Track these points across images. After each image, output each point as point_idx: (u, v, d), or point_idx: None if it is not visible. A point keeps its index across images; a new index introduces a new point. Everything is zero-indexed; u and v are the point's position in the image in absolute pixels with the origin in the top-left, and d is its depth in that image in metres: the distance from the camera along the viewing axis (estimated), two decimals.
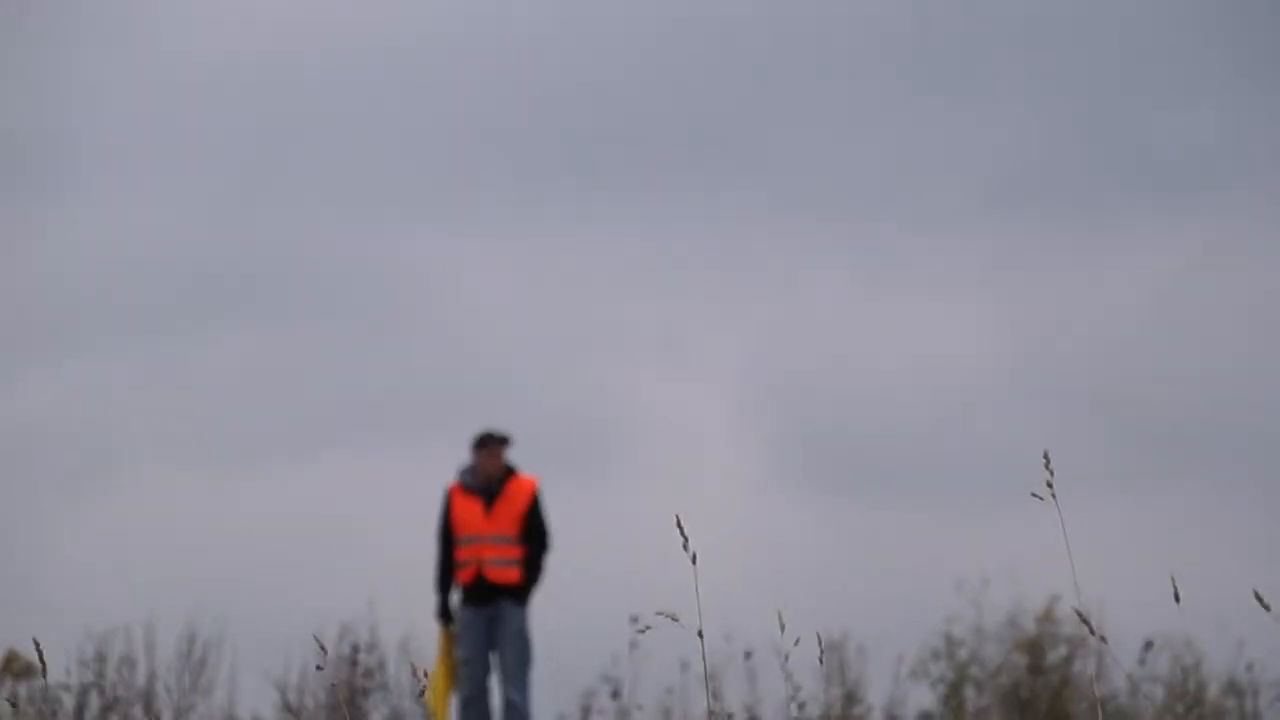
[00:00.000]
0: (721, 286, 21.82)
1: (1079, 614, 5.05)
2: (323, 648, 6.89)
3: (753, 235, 21.49)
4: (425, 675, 13.80)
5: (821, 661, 10.48)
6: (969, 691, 14.35)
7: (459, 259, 21.87)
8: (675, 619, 9.00)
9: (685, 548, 6.11)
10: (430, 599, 13.06)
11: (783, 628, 8.61)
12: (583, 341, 21.69)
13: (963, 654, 14.48)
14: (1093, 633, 5.10)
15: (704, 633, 9.88)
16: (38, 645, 6.04)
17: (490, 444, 12.91)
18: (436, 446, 19.58)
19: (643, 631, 6.78)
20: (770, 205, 21.79)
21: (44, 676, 6.22)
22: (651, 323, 21.65)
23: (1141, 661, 13.87)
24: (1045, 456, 4.77)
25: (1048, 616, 14.43)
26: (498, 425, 13.14)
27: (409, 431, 20.46)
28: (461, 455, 13.11)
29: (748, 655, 10.86)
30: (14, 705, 13.29)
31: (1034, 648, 14.33)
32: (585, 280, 22.08)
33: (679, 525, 6.02)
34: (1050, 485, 4.85)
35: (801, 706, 12.94)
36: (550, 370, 21.37)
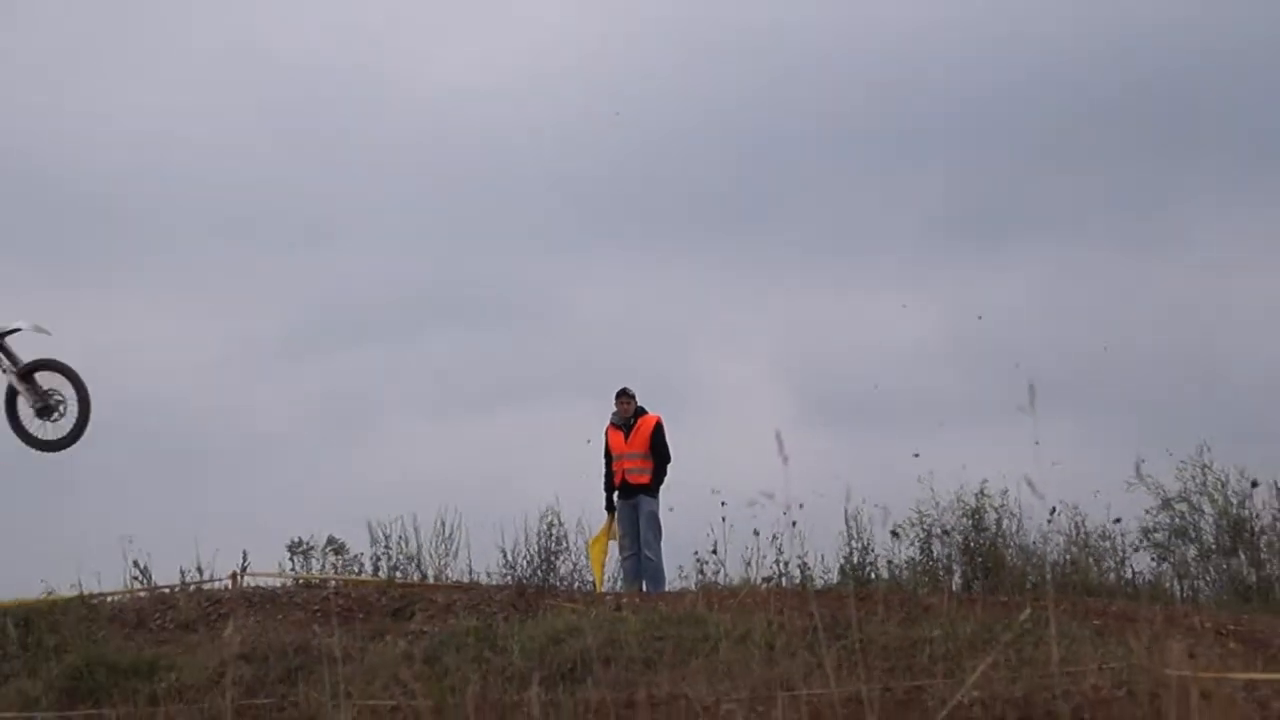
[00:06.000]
0: (756, 300, 29.01)
1: (1028, 482, 7.12)
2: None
3: (764, 273, 28.57)
4: (588, 544, 21.13)
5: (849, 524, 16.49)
6: (935, 545, 18.51)
7: (587, 282, 28.84)
8: (771, 497, 14.55)
9: (781, 452, 7.26)
10: (600, 496, 17.43)
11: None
12: (669, 333, 28.62)
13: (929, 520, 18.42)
14: (1034, 490, 7.16)
15: (786, 508, 13.87)
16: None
17: (621, 396, 17.35)
18: (581, 403, 26.45)
19: (751, 505, 8.40)
20: (781, 249, 28.98)
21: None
22: (712, 323, 28.87)
23: (1049, 520, 18.08)
24: (1030, 389, 6.34)
25: (983, 493, 18.40)
26: (625, 383, 17.42)
27: (566, 393, 27.35)
28: (605, 408, 17.67)
29: (794, 523, 16.68)
30: (335, 569, 19.06)
31: (975, 514, 18.41)
32: (669, 299, 29.17)
33: (778, 440, 7.25)
34: (1032, 403, 6.36)
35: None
36: (652, 352, 28.34)
